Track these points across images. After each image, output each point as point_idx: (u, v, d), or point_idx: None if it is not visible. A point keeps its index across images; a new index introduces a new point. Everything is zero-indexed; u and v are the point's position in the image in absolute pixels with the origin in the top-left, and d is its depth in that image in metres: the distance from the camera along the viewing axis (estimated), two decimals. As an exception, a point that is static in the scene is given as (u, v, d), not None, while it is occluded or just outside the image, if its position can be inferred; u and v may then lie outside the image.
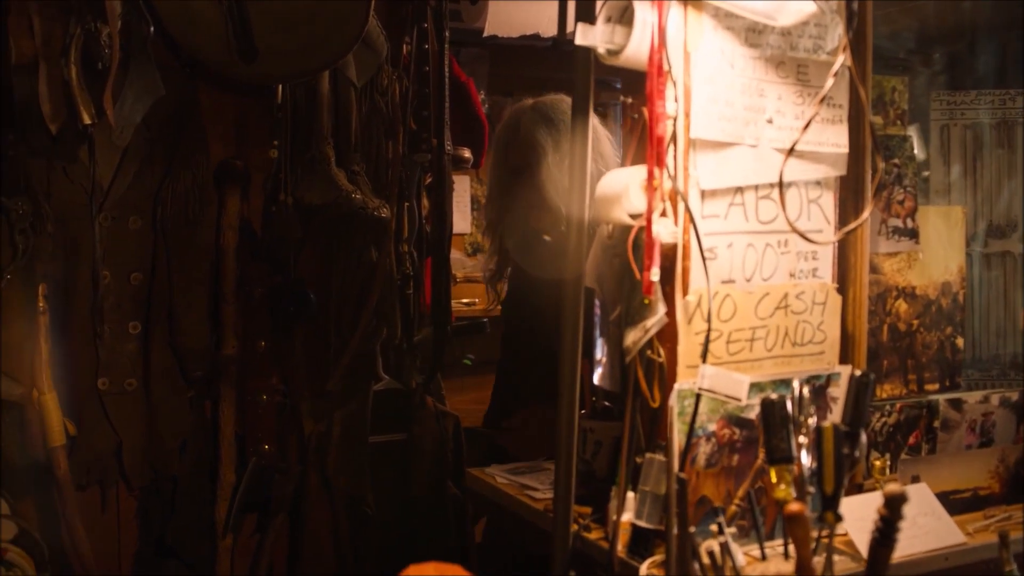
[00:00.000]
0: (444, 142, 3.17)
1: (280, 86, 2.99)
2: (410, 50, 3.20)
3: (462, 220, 4.24)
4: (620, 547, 2.10)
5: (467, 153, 3.29)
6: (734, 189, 2.10)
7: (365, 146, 3.13)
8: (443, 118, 3.16)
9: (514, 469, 2.54)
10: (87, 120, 2.70)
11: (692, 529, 1.93)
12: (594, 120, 2.49)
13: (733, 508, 2.09)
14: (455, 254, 4.34)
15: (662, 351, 2.09)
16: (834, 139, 2.16)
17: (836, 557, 2.03)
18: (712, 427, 2.07)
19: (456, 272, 4.26)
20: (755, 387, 2.05)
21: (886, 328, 2.29)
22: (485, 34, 3.66)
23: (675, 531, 1.92)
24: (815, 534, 1.90)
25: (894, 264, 2.29)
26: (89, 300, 2.99)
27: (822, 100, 2.05)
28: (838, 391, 2.15)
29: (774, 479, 1.90)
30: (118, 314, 3.04)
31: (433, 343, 3.32)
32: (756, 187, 2.12)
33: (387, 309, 3.23)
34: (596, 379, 2.32)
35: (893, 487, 1.72)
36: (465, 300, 4.23)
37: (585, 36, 2.03)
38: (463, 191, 3.96)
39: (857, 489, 2.26)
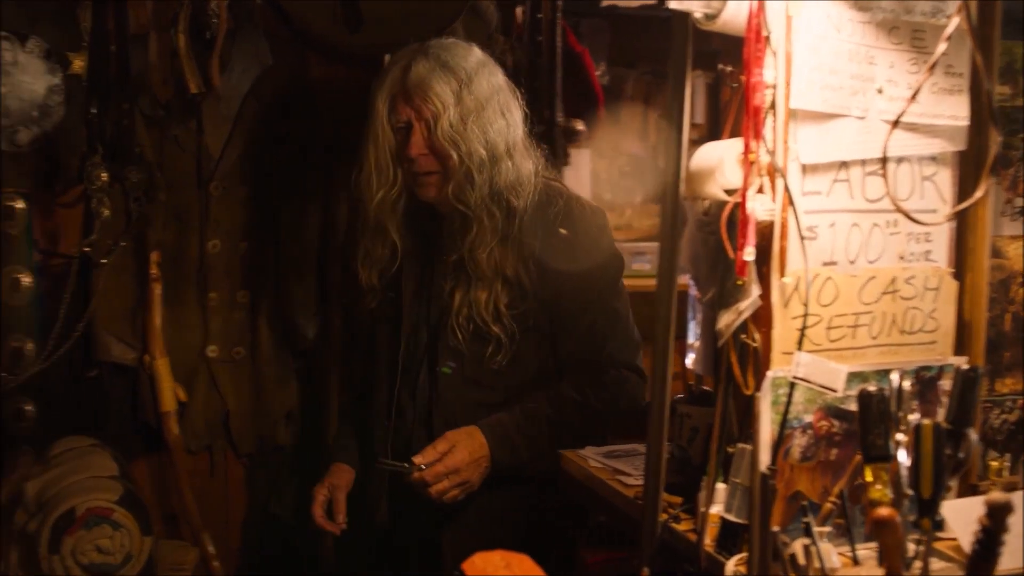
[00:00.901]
0: (556, 114, 3.09)
1: (387, 55, 2.95)
2: (523, 19, 3.12)
3: (581, 194, 4.11)
4: (708, 541, 1.99)
5: (580, 125, 3.18)
6: (838, 164, 1.95)
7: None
8: (555, 89, 3.08)
9: (610, 452, 2.44)
10: (194, 89, 2.72)
11: (777, 528, 1.81)
12: (501, 80, 2.49)
13: (828, 506, 1.96)
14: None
15: (757, 335, 1.97)
16: (952, 111, 1.98)
17: (941, 564, 1.88)
18: (809, 418, 1.94)
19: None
20: (856, 377, 1.91)
21: (1009, 317, 2.10)
22: (604, 3, 3.55)
23: (762, 526, 1.80)
24: (913, 541, 1.76)
25: (1020, 248, 2.10)
26: (199, 268, 3.03)
27: (932, 67, 1.88)
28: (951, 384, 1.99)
29: (869, 478, 1.76)
30: (227, 282, 3.08)
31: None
32: (863, 162, 1.97)
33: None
34: (689, 362, 2.21)
35: (997, 495, 1.56)
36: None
37: (681, 0, 1.92)
38: (582, 164, 3.85)
39: (972, 491, 2.09)
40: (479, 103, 2.42)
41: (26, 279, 2.85)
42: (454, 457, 2.47)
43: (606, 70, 3.81)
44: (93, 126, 2.78)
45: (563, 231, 2.51)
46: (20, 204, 2.84)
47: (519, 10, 3.13)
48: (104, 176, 2.78)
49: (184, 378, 3.04)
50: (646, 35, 3.71)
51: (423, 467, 2.46)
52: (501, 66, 3.03)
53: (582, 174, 3.83)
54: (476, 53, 2.49)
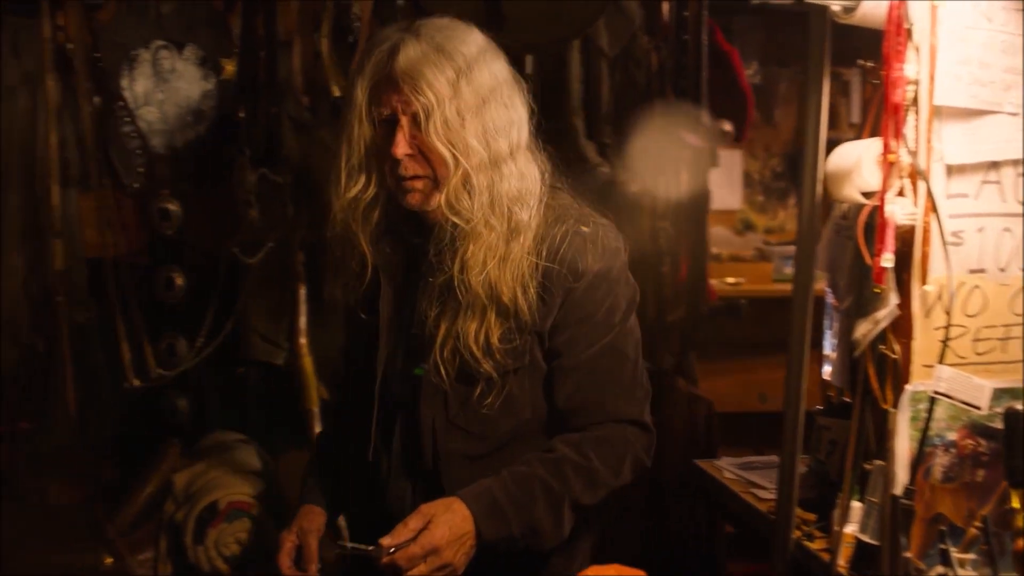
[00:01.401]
0: (702, 115, 3.02)
1: (529, 55, 2.93)
2: (669, 17, 3.06)
3: (731, 196, 4.02)
4: (842, 562, 1.90)
5: (728, 126, 3.09)
6: (988, 164, 1.82)
7: (617, 118, 3.02)
8: (701, 90, 3.00)
9: (747, 464, 2.36)
10: (337, 92, 2.76)
11: (913, 553, 1.70)
12: (504, 69, 2.01)
13: (973, 531, 1.83)
14: (722, 231, 4.14)
15: (896, 347, 1.86)
16: (1122, 106, 1.83)
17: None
18: (952, 436, 1.82)
19: (721, 250, 4.07)
20: (1005, 394, 1.78)
21: None
22: (755, 1, 3.43)
23: (892, 551, 1.70)
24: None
25: None
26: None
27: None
28: (1119, 404, 1.83)
29: (1016, 505, 1.64)
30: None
31: (686, 322, 3.17)
32: (1017, 162, 1.84)
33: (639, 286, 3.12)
34: (825, 373, 2.11)
35: None
36: (730, 279, 4.03)
37: (818, -7, 1.83)
38: (732, 165, 3.75)
39: None
40: (480, 96, 1.95)
41: (179, 278, 2.95)
42: (431, 535, 1.92)
43: (758, 69, 3.70)
44: (242, 129, 2.85)
45: (571, 253, 2.00)
46: (174, 205, 2.94)
47: (665, 7, 3.05)
48: (252, 178, 2.86)
49: (327, 378, 3.08)
50: (801, 32, 3.57)
51: (393, 550, 1.94)
52: (645, 66, 2.97)
53: (733, 176, 3.74)
54: (477, 36, 2.02)
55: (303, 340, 3.05)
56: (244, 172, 2.85)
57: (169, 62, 2.93)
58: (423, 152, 1.95)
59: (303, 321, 3.05)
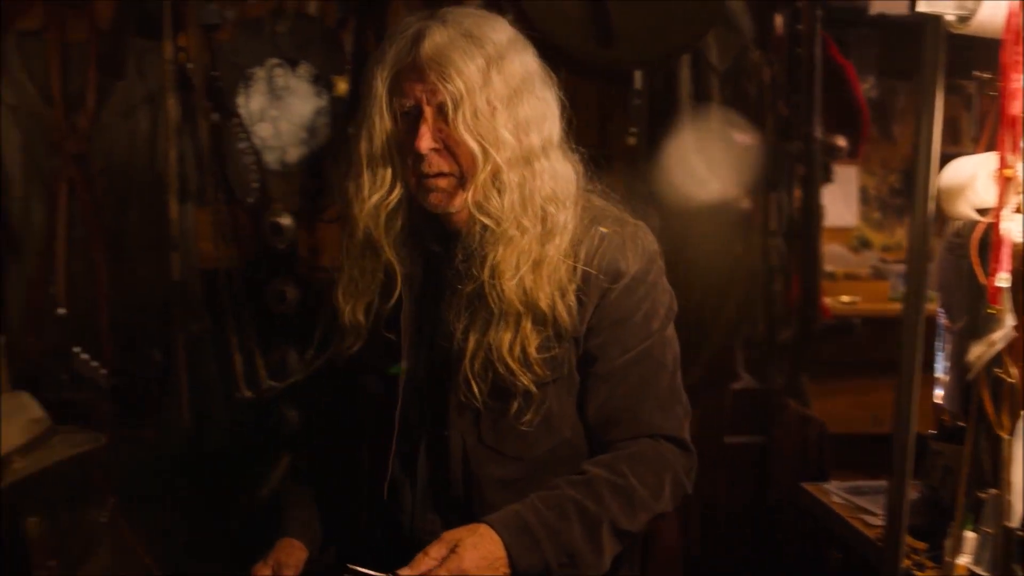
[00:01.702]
0: (815, 130, 2.95)
1: (638, 71, 2.91)
2: (782, 31, 3.01)
3: (847, 212, 3.92)
4: (954, 593, 1.83)
5: (841, 141, 3.02)
6: (1111, 181, 1.75)
7: (727, 133, 2.98)
8: (814, 104, 2.94)
9: (856, 488, 2.29)
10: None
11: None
12: (535, 61, 1.87)
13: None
14: (837, 249, 4.05)
15: (1013, 370, 1.78)
16: None
17: None
18: (1075, 465, 1.74)
19: (836, 268, 3.97)
20: None
21: None
22: (873, 12, 3.37)
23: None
24: None
25: None
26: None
27: None
28: None
29: None
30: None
31: (797, 341, 3.10)
32: None
33: (749, 304, 3.07)
34: (937, 397, 2.03)
35: None
36: (844, 298, 3.93)
37: (931, 1, 1.77)
38: (848, 181, 3.66)
39: None
40: (511, 86, 1.80)
41: (291, 291, 3.01)
42: (460, 561, 1.72)
43: (875, 83, 3.61)
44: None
45: (610, 254, 1.85)
46: (287, 220, 3.00)
47: (778, 21, 3.01)
48: (361, 193, 2.89)
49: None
50: (920, 45, 3.47)
51: None
52: (756, 81, 2.93)
53: (848, 191, 3.65)
54: (505, 25, 1.87)
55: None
56: (354, 187, 2.89)
57: (283, 80, 2.99)
58: (449, 147, 1.79)
59: (411, 335, 3.07)
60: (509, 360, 1.81)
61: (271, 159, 3.01)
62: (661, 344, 1.90)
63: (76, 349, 2.99)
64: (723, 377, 3.10)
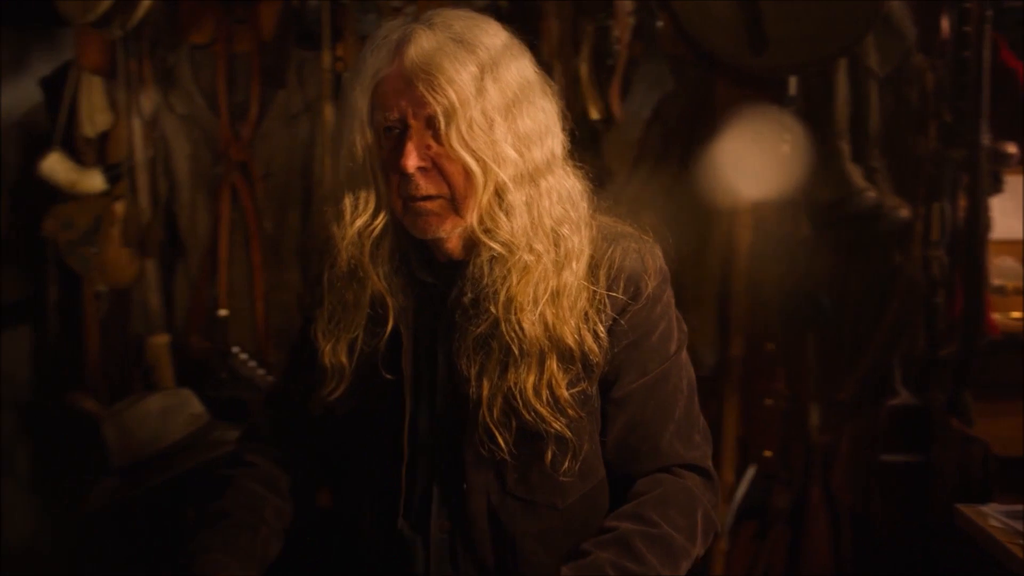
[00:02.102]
0: (981, 136, 2.83)
1: (792, 77, 2.85)
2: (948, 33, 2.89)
3: (1017, 224, 3.71)
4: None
5: (1012, 148, 2.88)
6: None
7: (887, 141, 2.88)
8: (981, 110, 2.81)
9: (1014, 512, 2.17)
10: (595, 115, 2.78)
11: None
12: (532, 68, 1.66)
13: None
14: (1009, 262, 3.84)
15: None
16: None
17: None
18: None
19: (1006, 282, 3.77)
20: None
21: None
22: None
23: None
24: None
25: None
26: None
27: None
28: None
29: None
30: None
31: (960, 358, 2.97)
32: None
33: (909, 317, 2.96)
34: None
35: None
36: (1015, 314, 3.72)
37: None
38: (1020, 191, 3.48)
39: None
40: (508, 96, 1.60)
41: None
42: None
43: (1054, 87, 3.43)
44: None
45: (630, 273, 1.67)
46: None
47: (945, 23, 2.89)
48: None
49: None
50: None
51: None
52: (919, 86, 2.82)
53: (1020, 202, 3.46)
54: (499, 28, 1.66)
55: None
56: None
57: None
58: (439, 165, 1.58)
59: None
60: (537, 404, 1.61)
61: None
62: (678, 368, 1.73)
63: (235, 349, 3.10)
64: (879, 393, 3.00)
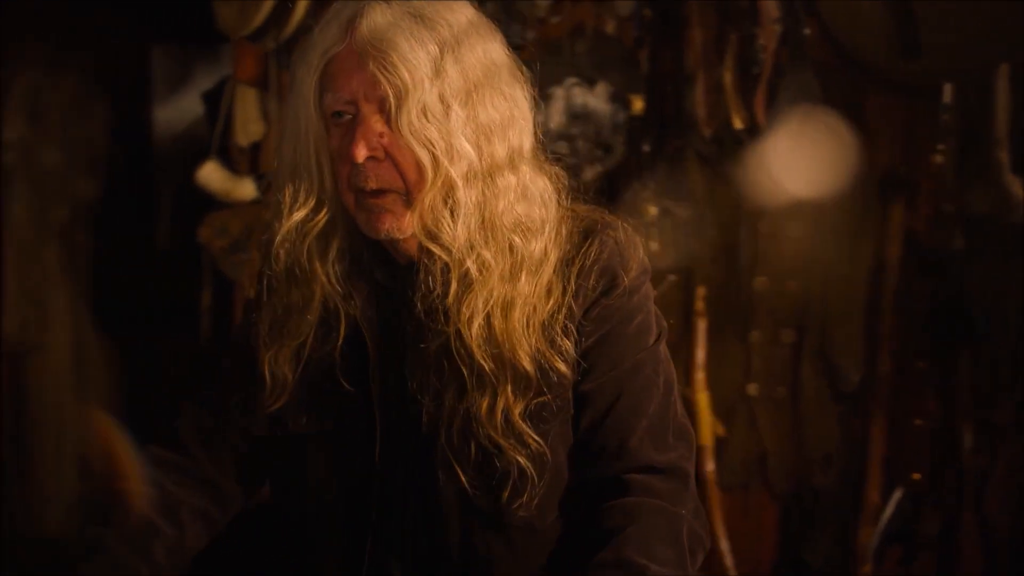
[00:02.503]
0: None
1: (947, 85, 2.75)
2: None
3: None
4: None
5: None
6: None
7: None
8: None
9: None
10: (739, 124, 2.74)
11: None
12: (502, 51, 1.49)
13: None
14: None
15: None
16: None
17: None
18: None
19: None
20: None
21: None
22: None
23: None
24: None
25: None
26: (744, 305, 3.04)
27: None
28: None
29: None
30: (771, 321, 3.04)
31: None
32: None
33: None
34: None
35: None
36: None
37: None
38: None
39: None
40: (470, 80, 1.43)
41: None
42: None
43: None
44: (645, 163, 2.90)
45: (608, 264, 1.49)
46: (580, 236, 3.05)
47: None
48: (653, 210, 2.90)
49: (723, 413, 3.04)
50: None
51: None
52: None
53: None
54: (466, 5, 1.48)
55: (700, 375, 3.03)
56: (645, 205, 2.90)
57: (581, 98, 3.04)
58: (392, 155, 1.42)
59: (701, 355, 3.03)
60: (492, 432, 1.44)
61: (568, 177, 3.05)
62: (654, 361, 1.54)
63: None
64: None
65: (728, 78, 2.73)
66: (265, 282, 1.54)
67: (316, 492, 1.56)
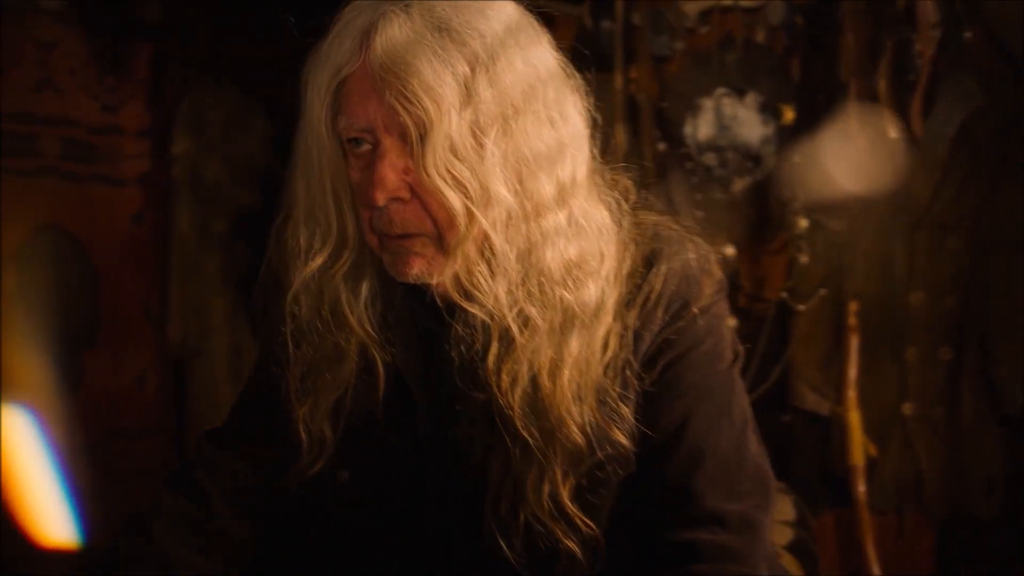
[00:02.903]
0: None
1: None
2: None
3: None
4: None
5: None
6: None
7: None
8: None
9: None
10: (894, 134, 2.65)
11: None
12: (550, 58, 1.25)
13: None
14: None
15: None
16: None
17: None
18: None
19: None
20: None
21: None
22: None
23: None
24: None
25: None
26: (899, 321, 2.93)
27: None
28: None
29: None
30: (928, 338, 2.93)
31: None
32: None
33: None
34: None
35: None
36: None
37: None
38: None
39: None
40: (509, 102, 1.19)
41: (730, 321, 2.98)
42: None
43: None
44: (797, 174, 2.84)
45: (678, 291, 1.30)
46: (730, 250, 2.99)
47: None
48: (803, 223, 2.83)
49: (876, 434, 2.94)
50: None
51: None
52: None
53: None
54: (502, 7, 1.24)
55: (852, 392, 2.94)
56: (795, 216, 2.83)
57: (731, 109, 2.99)
58: (419, 196, 1.22)
59: (853, 372, 2.94)
60: (537, 511, 1.27)
61: (716, 189, 3.01)
62: (726, 389, 1.34)
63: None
64: None
65: (883, 86, 2.64)
66: (288, 332, 1.34)
67: (354, 550, 1.43)
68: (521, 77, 1.21)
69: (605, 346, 1.27)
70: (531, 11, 1.27)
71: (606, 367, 1.27)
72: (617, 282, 1.28)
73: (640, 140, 3.05)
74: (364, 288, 1.31)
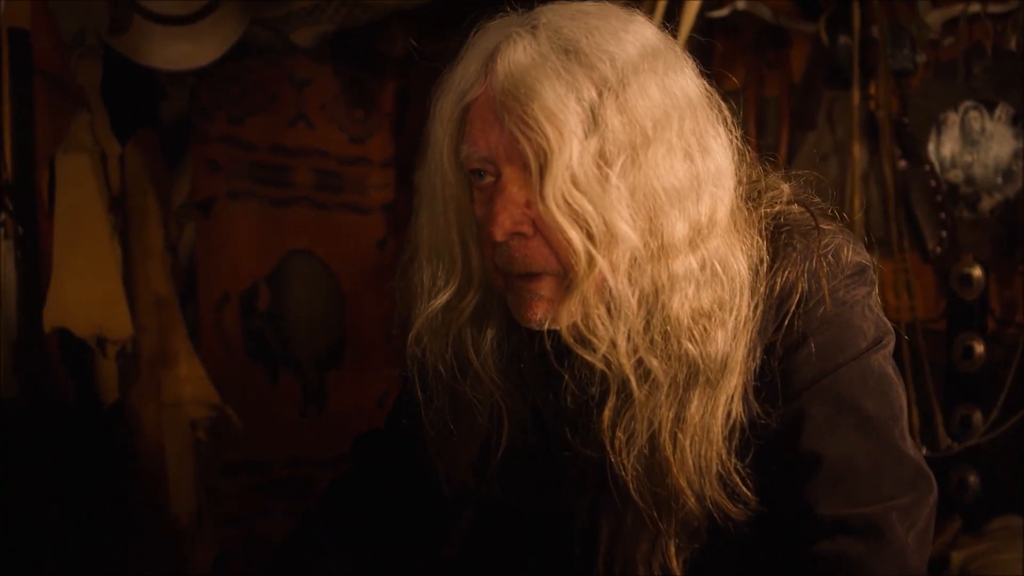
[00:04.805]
0: None
1: None
2: None
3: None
4: None
5: None
6: None
7: None
8: None
9: None
10: None
11: None
12: (693, 85, 1.12)
13: None
14: None
15: None
16: None
17: None
18: None
19: None
20: None
21: None
22: None
23: None
24: None
25: None
26: None
27: None
28: None
29: None
30: None
31: None
32: None
33: None
34: None
35: None
36: None
37: None
38: None
39: None
40: (640, 131, 1.09)
41: (978, 347, 2.83)
42: None
43: None
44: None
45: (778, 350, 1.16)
46: (977, 271, 2.84)
47: None
48: None
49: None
50: None
51: None
52: None
53: None
54: (641, 27, 1.14)
55: None
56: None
57: (978, 123, 2.84)
58: (542, 232, 1.12)
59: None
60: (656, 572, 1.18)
61: (962, 207, 2.86)
62: (852, 382, 1.15)
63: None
64: None
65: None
66: (415, 374, 1.27)
67: None
68: (655, 104, 1.10)
69: (729, 412, 1.15)
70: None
71: (730, 432, 1.15)
72: (747, 328, 1.15)
73: (879, 158, 2.93)
74: (488, 335, 1.22)
